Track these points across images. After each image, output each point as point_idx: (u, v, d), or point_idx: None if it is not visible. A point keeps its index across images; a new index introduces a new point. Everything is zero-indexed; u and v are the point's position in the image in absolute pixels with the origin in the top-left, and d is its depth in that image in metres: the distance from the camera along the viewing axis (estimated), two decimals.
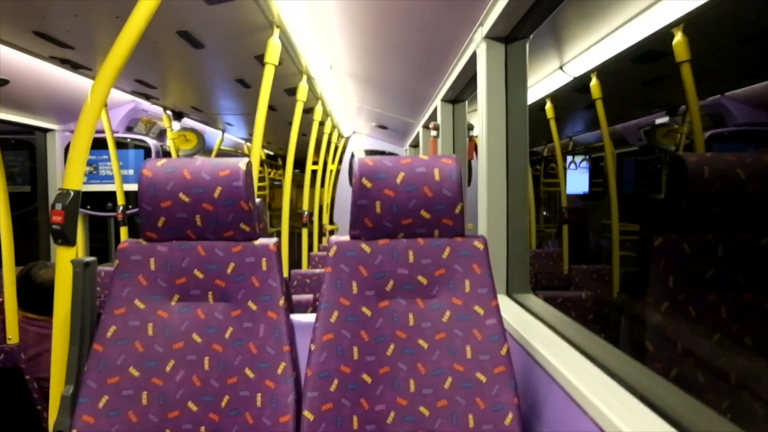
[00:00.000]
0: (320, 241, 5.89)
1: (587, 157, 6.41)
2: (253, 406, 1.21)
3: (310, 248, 4.98)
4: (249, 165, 1.29)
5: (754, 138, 3.42)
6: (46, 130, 3.87)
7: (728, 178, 1.22)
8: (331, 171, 6.79)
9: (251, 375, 1.23)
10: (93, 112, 1.31)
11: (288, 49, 2.57)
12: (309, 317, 1.48)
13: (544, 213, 7.17)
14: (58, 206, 1.24)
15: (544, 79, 3.28)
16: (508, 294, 1.83)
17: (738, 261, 1.25)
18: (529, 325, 1.47)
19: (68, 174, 1.29)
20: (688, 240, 1.27)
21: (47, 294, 1.95)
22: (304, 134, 4.10)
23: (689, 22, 2.09)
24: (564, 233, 4.17)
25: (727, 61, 2.79)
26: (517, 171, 1.83)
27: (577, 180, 6.47)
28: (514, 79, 1.83)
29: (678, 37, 2.14)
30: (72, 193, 1.26)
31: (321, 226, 6.18)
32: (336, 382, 1.20)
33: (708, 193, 1.22)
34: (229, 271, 1.28)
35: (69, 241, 1.26)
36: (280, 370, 1.23)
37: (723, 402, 1.23)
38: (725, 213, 1.24)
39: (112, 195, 3.95)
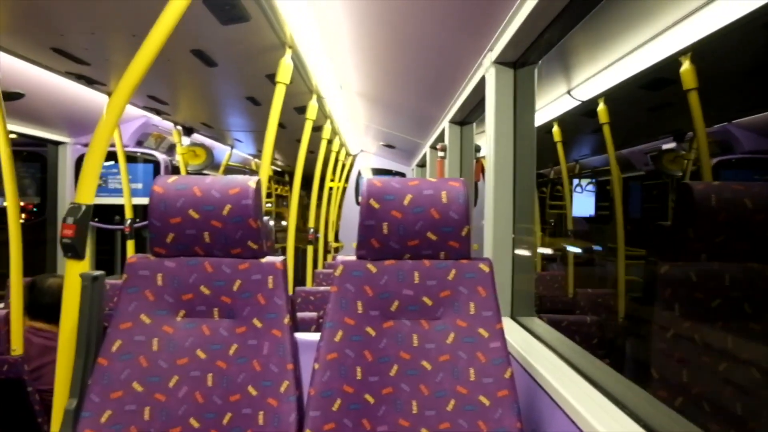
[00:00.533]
0: (325, 258, 5.89)
1: (594, 180, 6.42)
2: (255, 423, 1.21)
3: (315, 265, 4.98)
4: (258, 183, 1.30)
5: (760, 165, 3.42)
6: (57, 143, 3.93)
7: (736, 206, 1.22)
8: (338, 189, 6.82)
9: (254, 392, 1.23)
10: (108, 128, 1.33)
11: (299, 69, 2.61)
12: (313, 336, 1.48)
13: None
14: (70, 220, 1.26)
15: (552, 103, 3.31)
16: (513, 317, 1.82)
17: (745, 290, 1.25)
18: (534, 349, 1.47)
19: (81, 188, 1.31)
20: (694, 268, 1.26)
21: (55, 299, 1.98)
22: (311, 152, 4.13)
23: (696, 51, 2.12)
24: (569, 257, 4.16)
25: (734, 90, 2.81)
26: (524, 194, 1.84)
27: (583, 203, 6.46)
28: (522, 103, 1.85)
29: (686, 66, 2.16)
30: (84, 207, 1.28)
31: (326, 243, 6.19)
32: (339, 401, 1.19)
33: (715, 221, 1.23)
34: (235, 287, 1.29)
35: (79, 254, 1.28)
36: (283, 389, 1.23)
37: None
38: (732, 242, 1.24)
39: (119, 208, 3.99)
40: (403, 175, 7.25)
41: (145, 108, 3.69)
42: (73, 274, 1.28)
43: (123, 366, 1.22)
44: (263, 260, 1.31)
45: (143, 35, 1.31)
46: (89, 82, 2.81)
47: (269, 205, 8.03)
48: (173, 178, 1.29)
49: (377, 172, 7.30)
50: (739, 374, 1.20)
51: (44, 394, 1.98)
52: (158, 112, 3.84)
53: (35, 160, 4.26)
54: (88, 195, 1.30)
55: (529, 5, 1.45)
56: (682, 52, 2.15)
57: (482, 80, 2.05)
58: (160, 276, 1.28)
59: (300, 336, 1.43)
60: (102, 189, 4.21)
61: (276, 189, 8.69)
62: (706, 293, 1.26)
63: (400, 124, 4.61)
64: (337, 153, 5.22)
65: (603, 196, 6.36)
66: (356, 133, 5.69)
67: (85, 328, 1.25)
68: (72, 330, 1.27)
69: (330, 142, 4.41)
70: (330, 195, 6.17)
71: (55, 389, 1.31)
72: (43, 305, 2.09)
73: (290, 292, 3.44)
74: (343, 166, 6.59)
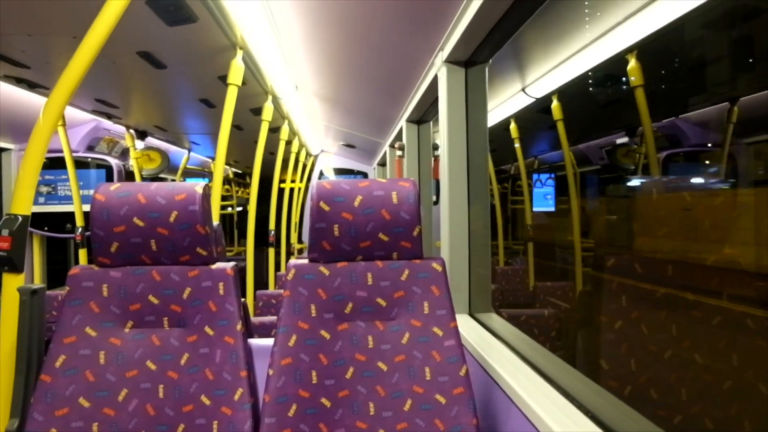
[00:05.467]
0: (288, 260, 5.83)
1: (552, 176, 6.55)
2: None
3: (278, 267, 4.92)
4: (207, 188, 1.27)
5: (706, 158, 3.55)
6: (1, 150, 3.76)
7: (677, 201, 1.26)
8: (300, 189, 6.76)
9: (207, 402, 1.20)
10: (44, 133, 1.28)
11: (252, 70, 2.57)
12: (268, 341, 1.46)
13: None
14: (5, 232, 1.20)
15: (508, 100, 3.36)
16: (470, 313, 1.84)
17: (687, 280, 1.29)
18: (490, 345, 1.48)
19: (17, 198, 1.26)
20: (639, 260, 1.30)
21: None
22: (271, 153, 4.08)
23: (642, 49, 2.18)
24: (529, 250, 4.24)
25: (679, 86, 2.91)
26: (478, 191, 1.86)
27: (544, 198, 6.58)
28: (474, 101, 1.87)
29: (632, 63, 2.23)
30: (20, 218, 1.22)
31: (289, 244, 6.12)
32: (294, 407, 1.18)
33: (657, 216, 1.26)
34: (185, 296, 1.26)
35: (17, 267, 1.22)
36: (237, 397, 1.20)
37: (675, 417, 1.26)
38: (673, 235, 1.28)
39: (71, 216, 3.85)
40: (365, 174, 7.24)
41: (94, 112, 3.57)
42: (10, 289, 1.23)
43: (68, 382, 1.18)
44: (213, 267, 1.28)
45: (84, 37, 1.27)
46: (30, 86, 2.70)
47: (229, 208, 7.90)
48: (116, 185, 1.25)
49: (339, 171, 7.27)
50: (682, 361, 1.24)
51: None
52: (108, 116, 3.72)
53: None
54: (24, 205, 1.25)
55: (476, 4, 1.46)
56: (629, 50, 2.22)
57: (435, 79, 2.06)
58: (105, 287, 1.24)
59: (255, 342, 1.41)
60: (52, 196, 4.05)
61: (237, 191, 8.56)
62: (651, 284, 1.29)
63: (359, 124, 4.60)
64: (297, 154, 5.17)
65: (562, 190, 6.50)
66: (316, 133, 5.65)
67: (25, 344, 1.19)
68: (11, 346, 1.21)
69: (289, 143, 4.37)
70: (291, 196, 6.11)
71: None
72: None
73: (251, 296, 3.39)
74: (304, 166, 6.54)
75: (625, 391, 1.26)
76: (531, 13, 1.48)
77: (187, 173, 6.52)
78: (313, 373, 1.21)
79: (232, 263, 1.31)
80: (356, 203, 1.24)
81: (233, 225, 8.79)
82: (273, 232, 4.04)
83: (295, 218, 6.65)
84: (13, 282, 1.23)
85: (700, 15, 1.88)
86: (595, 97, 3.17)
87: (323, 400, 1.20)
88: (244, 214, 8.35)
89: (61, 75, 1.26)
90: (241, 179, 8.94)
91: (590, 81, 2.77)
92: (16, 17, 1.79)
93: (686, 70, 2.66)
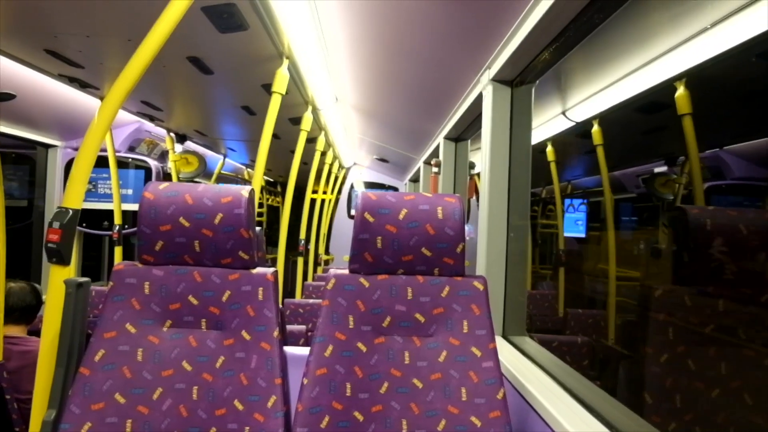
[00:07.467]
0: (315, 270, 5.85)
1: (584, 201, 6.45)
2: None
3: (305, 277, 4.93)
4: (251, 193, 1.28)
5: (751, 192, 3.44)
6: (48, 146, 3.88)
7: (730, 232, 1.22)
8: (330, 201, 6.79)
9: (240, 407, 1.20)
10: (99, 133, 1.31)
11: (295, 80, 2.60)
12: (302, 350, 1.45)
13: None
14: (56, 224, 1.22)
15: (546, 123, 3.32)
16: (504, 336, 1.80)
17: (739, 316, 1.24)
18: (526, 369, 1.45)
19: (69, 192, 1.28)
20: (688, 292, 1.26)
21: (21, 299, 2.00)
22: (305, 163, 4.11)
23: (691, 77, 2.14)
24: (560, 276, 4.16)
25: (726, 116, 2.84)
26: (517, 214, 1.83)
27: (574, 223, 6.48)
28: (518, 122, 1.85)
29: (680, 91, 2.18)
30: (71, 212, 1.25)
31: (317, 255, 6.14)
32: (327, 418, 1.16)
33: (710, 246, 1.22)
34: (224, 298, 1.26)
35: (64, 260, 1.25)
36: (270, 404, 1.19)
37: None
38: (727, 267, 1.24)
39: (108, 213, 3.94)
40: (395, 189, 7.25)
41: (139, 113, 3.66)
42: (57, 281, 1.25)
43: (105, 376, 1.19)
44: (254, 271, 1.29)
45: (139, 40, 1.30)
46: (82, 85, 2.78)
47: (261, 215, 7.98)
48: (164, 184, 1.27)
49: (370, 185, 7.30)
50: (731, 401, 1.19)
51: (22, 403, 1.93)
52: (151, 118, 3.81)
53: (24, 163, 4.20)
54: (75, 200, 1.27)
55: (528, 25, 1.45)
56: (677, 78, 2.17)
57: (479, 97, 2.05)
58: (147, 284, 1.25)
59: (289, 350, 1.40)
60: (91, 194, 4.16)
61: (268, 199, 8.65)
62: (700, 318, 1.25)
63: (395, 139, 4.61)
64: (330, 165, 5.21)
65: (594, 216, 6.38)
66: (350, 145, 5.69)
67: (67, 336, 1.21)
68: (54, 338, 1.23)
69: (324, 154, 4.40)
70: (322, 207, 6.15)
71: (34, 399, 1.26)
72: (9, 307, 2.06)
73: (280, 304, 3.40)
74: (336, 178, 6.58)
75: (670, 427, 1.21)
76: (583, 36, 1.47)
77: (221, 178, 6.63)
78: (348, 386, 1.19)
79: (272, 269, 1.31)
80: (401, 216, 1.23)
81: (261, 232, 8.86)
82: (303, 242, 4.06)
83: (324, 229, 6.68)
84: (60, 274, 1.25)
85: (752, 46, 1.84)
86: (637, 124, 3.11)
87: (356, 413, 1.18)
88: (271, 222, 8.42)
89: (116, 77, 1.29)
90: (272, 187, 9.04)
91: (633, 107, 2.72)
92: (76, 18, 1.85)
93: (735, 101, 2.60)
